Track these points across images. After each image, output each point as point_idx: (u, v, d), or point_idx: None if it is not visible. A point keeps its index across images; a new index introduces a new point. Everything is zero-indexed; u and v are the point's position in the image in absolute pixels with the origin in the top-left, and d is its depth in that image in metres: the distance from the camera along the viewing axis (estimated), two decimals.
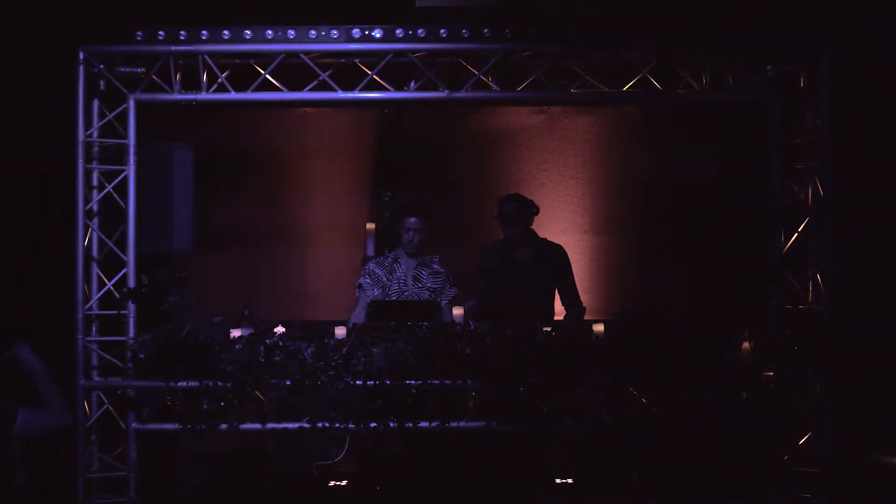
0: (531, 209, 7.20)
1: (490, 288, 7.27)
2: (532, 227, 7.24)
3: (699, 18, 7.27)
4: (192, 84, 7.11)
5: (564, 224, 7.92)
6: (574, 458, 6.99)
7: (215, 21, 6.98)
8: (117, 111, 7.11)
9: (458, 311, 6.87)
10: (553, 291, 7.30)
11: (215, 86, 7.10)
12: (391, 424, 6.60)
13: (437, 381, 6.59)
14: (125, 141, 7.10)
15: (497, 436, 6.78)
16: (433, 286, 7.20)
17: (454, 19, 6.95)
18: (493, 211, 7.23)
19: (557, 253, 7.28)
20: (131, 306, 7.03)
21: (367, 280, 7.18)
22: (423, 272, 7.20)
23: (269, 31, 6.98)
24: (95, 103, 7.12)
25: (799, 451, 7.13)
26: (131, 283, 7.04)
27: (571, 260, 7.39)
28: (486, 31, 6.93)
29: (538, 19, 7.06)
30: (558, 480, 7.03)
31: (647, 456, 6.92)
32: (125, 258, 7.07)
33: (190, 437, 6.63)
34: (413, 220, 7.10)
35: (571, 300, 7.31)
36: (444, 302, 7.18)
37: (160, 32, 6.97)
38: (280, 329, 6.78)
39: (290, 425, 6.72)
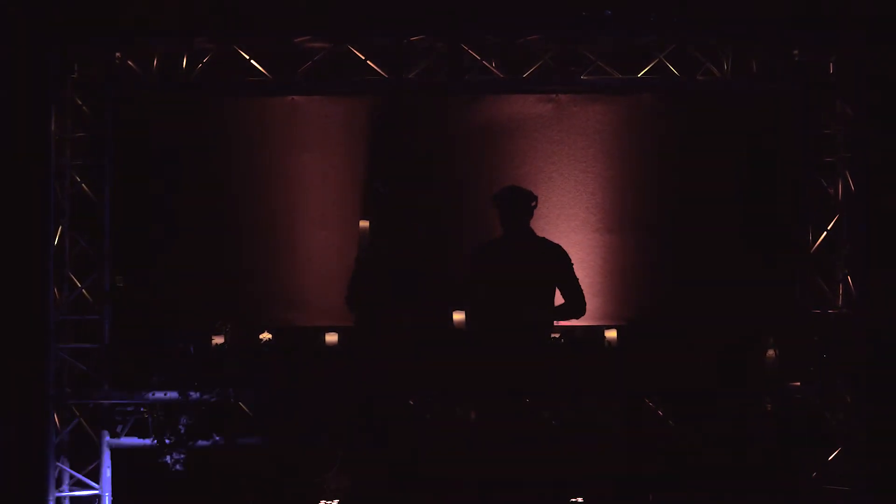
0: (530, 199, 6.94)
1: (487, 290, 7.00)
2: (530, 225, 7.01)
3: None
4: (171, 72, 7.00)
5: (575, 222, 7.67)
6: (585, 476, 6.81)
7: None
8: (91, 101, 6.96)
9: (458, 317, 6.69)
10: (553, 291, 7.05)
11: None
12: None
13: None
14: (100, 133, 6.95)
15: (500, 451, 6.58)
16: None
17: None
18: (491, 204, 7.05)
19: (557, 252, 7.07)
20: (106, 310, 6.90)
21: None
22: None
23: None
24: (68, 93, 6.93)
25: (828, 468, 7.02)
26: (107, 285, 6.95)
27: (582, 260, 7.21)
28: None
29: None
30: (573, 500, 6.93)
31: (664, 473, 6.77)
32: (99, 258, 6.95)
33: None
34: None
35: (575, 301, 7.04)
36: None
37: (138, 17, 6.86)
38: (266, 336, 6.68)
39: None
